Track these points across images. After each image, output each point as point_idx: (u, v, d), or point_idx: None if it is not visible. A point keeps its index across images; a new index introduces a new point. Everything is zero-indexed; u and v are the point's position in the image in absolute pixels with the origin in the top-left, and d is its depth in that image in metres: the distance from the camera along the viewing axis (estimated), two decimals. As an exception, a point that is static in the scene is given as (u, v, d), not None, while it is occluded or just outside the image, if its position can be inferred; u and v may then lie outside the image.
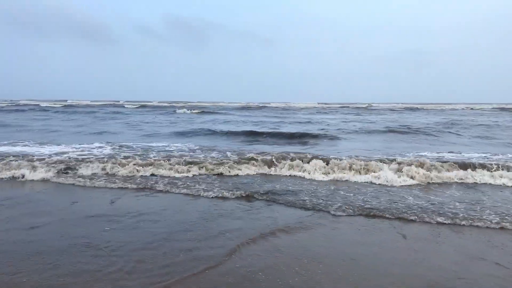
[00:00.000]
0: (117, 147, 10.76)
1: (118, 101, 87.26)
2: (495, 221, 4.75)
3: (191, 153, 9.79)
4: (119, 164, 7.74)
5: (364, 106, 65.37)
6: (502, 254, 3.83)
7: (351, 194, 6.11)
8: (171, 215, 5.02)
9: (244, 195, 6.06)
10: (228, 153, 9.59)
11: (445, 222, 4.76)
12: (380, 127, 19.23)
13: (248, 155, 8.79)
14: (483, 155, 9.86)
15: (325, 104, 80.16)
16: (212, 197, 5.96)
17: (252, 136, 15.37)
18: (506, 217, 4.90)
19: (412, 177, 6.97)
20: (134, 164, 7.75)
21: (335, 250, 3.92)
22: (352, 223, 4.76)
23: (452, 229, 4.55)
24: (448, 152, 10.32)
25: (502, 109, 50.10)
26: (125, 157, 8.58)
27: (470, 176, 7.08)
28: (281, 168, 7.81)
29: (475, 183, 6.91)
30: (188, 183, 6.85)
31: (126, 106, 54.42)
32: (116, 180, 6.97)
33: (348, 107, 62.03)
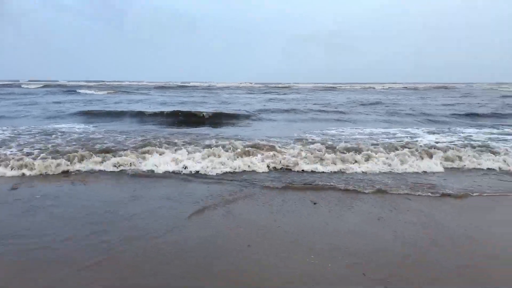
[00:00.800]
0: (13, 132, 9.46)
1: (18, 81, 77.21)
2: (400, 188, 5.29)
3: (92, 136, 8.99)
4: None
5: (286, 86, 67.22)
6: (408, 215, 4.24)
7: (270, 172, 6.29)
8: (91, 196, 4.65)
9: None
10: (138, 137, 9.08)
11: (349, 188, 5.15)
12: (301, 107, 19.47)
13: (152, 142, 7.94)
14: (382, 130, 10.94)
15: (250, 83, 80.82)
16: (129, 176, 5.76)
17: (169, 117, 14.55)
18: (407, 183, 5.55)
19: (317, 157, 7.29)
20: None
21: (250, 220, 3.99)
22: (266, 194, 4.86)
23: (358, 196, 4.90)
24: (355, 129, 11.29)
25: (406, 88, 59.20)
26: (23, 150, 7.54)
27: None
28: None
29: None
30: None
31: (28, 86, 48.27)
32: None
33: (268, 86, 63.45)
